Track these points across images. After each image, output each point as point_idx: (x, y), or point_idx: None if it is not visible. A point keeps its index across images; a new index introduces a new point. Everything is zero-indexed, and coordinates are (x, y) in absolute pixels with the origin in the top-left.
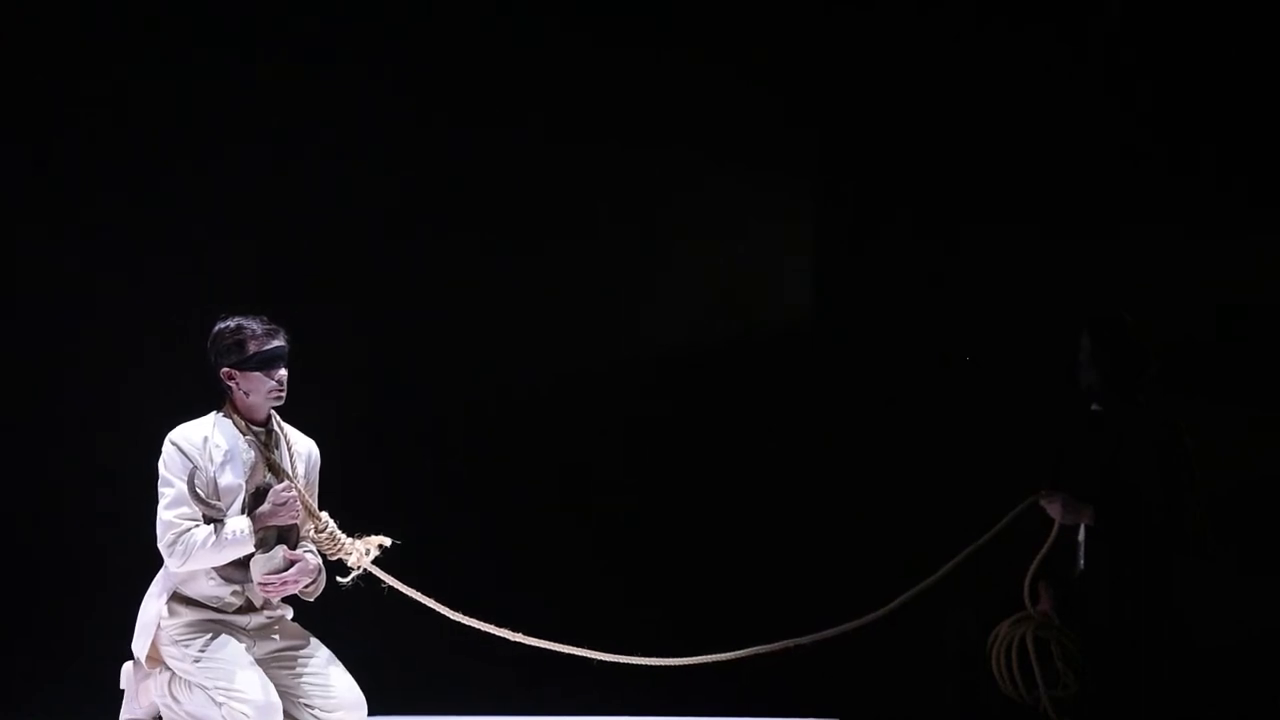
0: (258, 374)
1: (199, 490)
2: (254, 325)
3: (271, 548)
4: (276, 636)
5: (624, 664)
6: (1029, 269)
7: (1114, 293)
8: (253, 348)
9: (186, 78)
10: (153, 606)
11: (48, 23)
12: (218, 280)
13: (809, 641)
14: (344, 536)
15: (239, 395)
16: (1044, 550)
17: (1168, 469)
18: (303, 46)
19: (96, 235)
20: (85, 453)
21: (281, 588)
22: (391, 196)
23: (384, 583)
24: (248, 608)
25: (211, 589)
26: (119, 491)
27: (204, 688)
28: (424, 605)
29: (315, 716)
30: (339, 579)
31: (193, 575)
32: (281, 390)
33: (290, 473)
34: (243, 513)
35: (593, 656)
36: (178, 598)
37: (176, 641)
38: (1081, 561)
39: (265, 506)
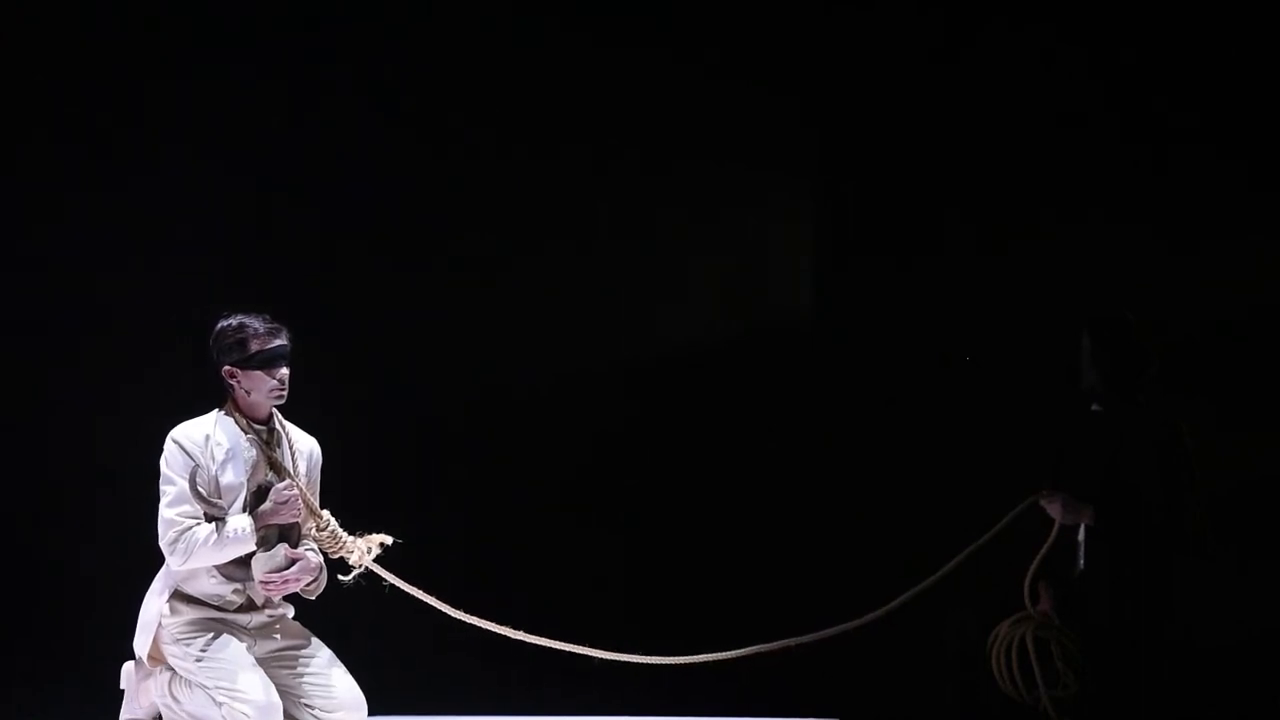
0: (259, 373)
1: (200, 488)
2: (256, 324)
3: (273, 546)
4: (278, 636)
5: (624, 663)
6: (1029, 269)
7: (1114, 293)
8: (255, 346)
9: (188, 77)
10: (154, 605)
11: (46, 22)
12: (218, 280)
13: (809, 641)
14: (345, 535)
15: (241, 393)
16: (1044, 550)
17: (1168, 469)
18: (304, 46)
19: (97, 235)
20: (85, 453)
21: (283, 586)
22: (392, 196)
23: (385, 581)
24: (249, 606)
25: (213, 587)
26: (119, 491)
27: (204, 687)
28: (424, 604)
29: (315, 716)
30: (340, 577)
31: (194, 573)
32: (283, 389)
33: (292, 471)
34: (244, 511)
35: (593, 655)
36: (179, 596)
37: (178, 640)
38: (1081, 561)
39: (267, 505)
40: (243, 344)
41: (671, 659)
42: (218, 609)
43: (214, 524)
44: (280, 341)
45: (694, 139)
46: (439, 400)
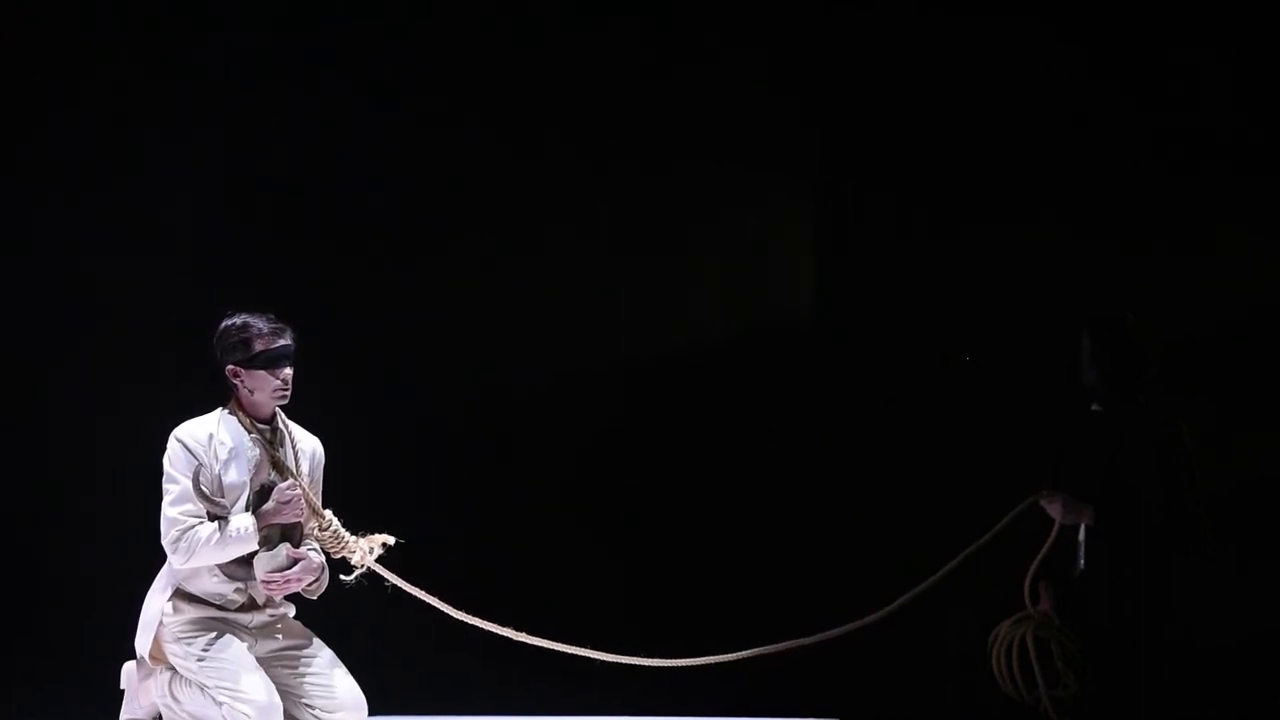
0: (263, 372)
1: (203, 487)
2: (260, 324)
3: (275, 545)
4: (279, 635)
5: (624, 664)
6: (1029, 269)
7: (1114, 292)
8: (258, 346)
9: (188, 77)
10: (156, 603)
11: (46, 21)
12: (218, 280)
13: (812, 643)
14: (348, 534)
15: (244, 393)
16: (1044, 550)
17: (1168, 469)
18: (305, 45)
19: (98, 234)
20: (85, 453)
21: (285, 586)
22: (392, 196)
23: (387, 581)
24: (250, 605)
25: (215, 586)
26: (119, 491)
27: (205, 687)
28: (425, 604)
29: (316, 717)
30: (342, 577)
31: (196, 572)
32: (286, 389)
33: (295, 470)
34: (247, 510)
35: (594, 656)
36: (181, 594)
37: (179, 639)
38: (1082, 561)
39: (269, 504)
40: (247, 343)
41: (672, 661)
42: (219, 608)
43: (216, 523)
44: (284, 341)
45: (694, 139)
46: (439, 400)
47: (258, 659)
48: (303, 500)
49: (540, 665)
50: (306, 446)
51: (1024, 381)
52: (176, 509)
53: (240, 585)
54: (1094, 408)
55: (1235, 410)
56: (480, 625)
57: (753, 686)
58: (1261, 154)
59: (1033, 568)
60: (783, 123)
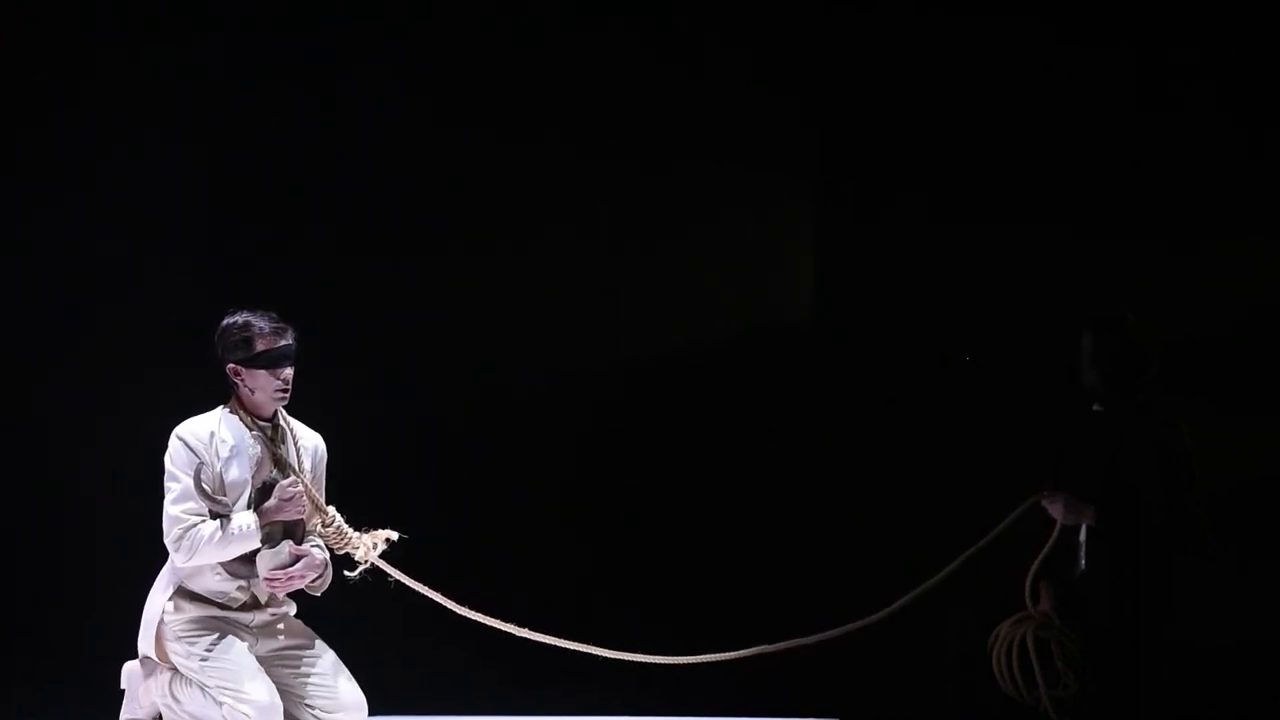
0: (263, 372)
1: (205, 486)
2: (262, 323)
3: (278, 543)
4: (281, 635)
5: (625, 663)
6: (1029, 269)
7: (1115, 292)
8: (260, 346)
9: (187, 76)
10: (158, 601)
11: (46, 20)
12: (219, 279)
13: (812, 643)
14: (351, 531)
15: (244, 392)
16: (1045, 550)
17: (1168, 469)
18: (305, 45)
19: (98, 234)
20: (85, 453)
21: (287, 583)
22: (394, 196)
23: (391, 578)
24: (252, 604)
25: (217, 584)
26: (119, 491)
27: (205, 687)
28: (426, 604)
29: (316, 717)
30: (346, 573)
31: (198, 570)
32: (286, 389)
33: (296, 468)
34: (249, 508)
35: (595, 653)
36: (182, 593)
37: (180, 638)
38: (1082, 562)
39: (271, 502)
40: (248, 342)
41: (672, 659)
42: (221, 606)
43: (218, 521)
44: (286, 342)
45: (694, 139)
46: (440, 399)
47: (259, 658)
48: (305, 497)
49: (541, 665)
50: (309, 443)
51: (1024, 381)
52: (178, 507)
53: (242, 583)
54: (1094, 408)
55: (1235, 410)
56: (483, 621)
57: (753, 686)
58: (1262, 153)
59: (1033, 568)
60: (783, 123)
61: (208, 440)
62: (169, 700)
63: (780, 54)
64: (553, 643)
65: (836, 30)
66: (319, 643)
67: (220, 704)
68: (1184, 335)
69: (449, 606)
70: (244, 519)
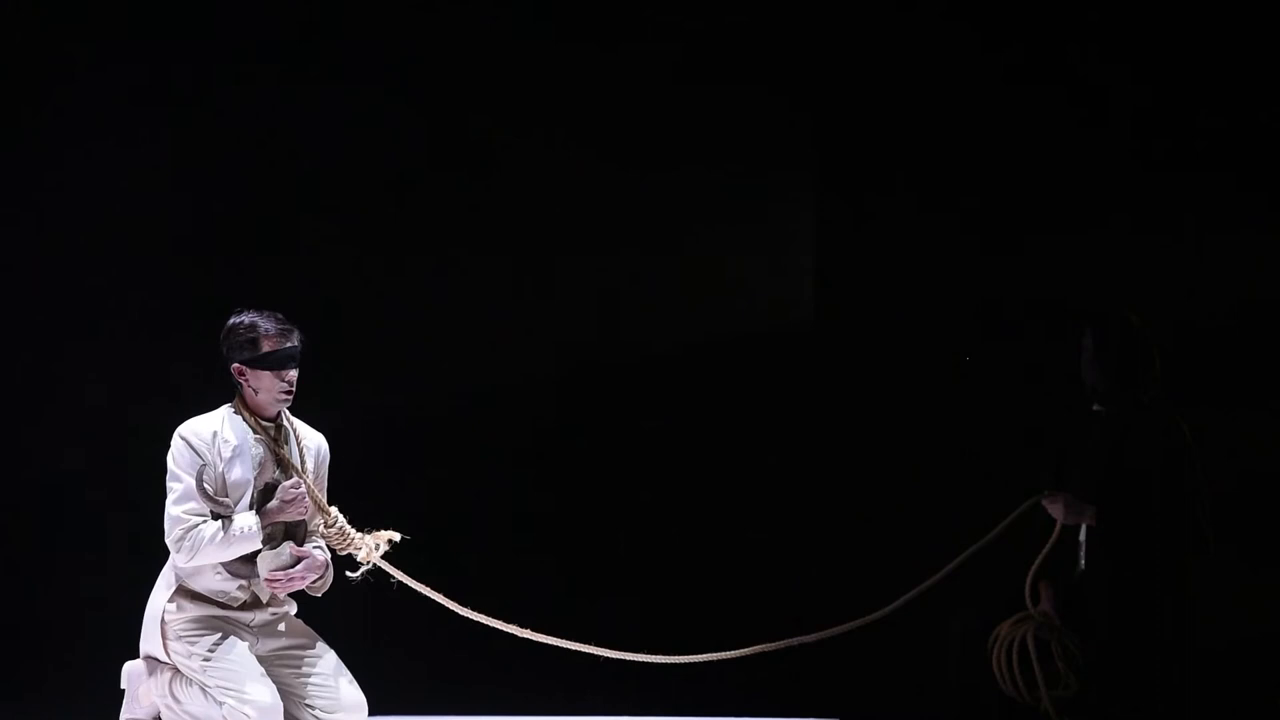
0: (268, 373)
1: (207, 486)
2: (269, 324)
3: (279, 543)
4: (282, 635)
5: (626, 663)
6: (1030, 269)
7: (1115, 292)
8: (266, 347)
9: (187, 77)
10: (159, 600)
11: (46, 20)
12: (218, 279)
13: (812, 641)
14: (353, 531)
15: (248, 391)
16: (1045, 550)
17: (1170, 468)
18: (307, 44)
19: (98, 233)
20: (85, 452)
21: (289, 584)
22: (394, 196)
23: (393, 578)
24: (253, 604)
25: (218, 584)
26: (119, 490)
27: (206, 687)
28: (428, 604)
29: (316, 717)
30: (348, 574)
31: (199, 570)
32: (290, 391)
33: (299, 468)
34: (251, 508)
35: (596, 653)
36: (183, 592)
37: (181, 637)
38: (1082, 562)
39: (273, 503)
40: (254, 343)
41: (673, 658)
42: (221, 606)
43: (220, 522)
44: (292, 344)
45: (694, 139)
46: (441, 400)
47: (260, 657)
48: (307, 498)
49: (541, 665)
50: (311, 443)
51: (1025, 381)
52: (180, 507)
53: (243, 583)
54: (1095, 408)
55: (1236, 409)
56: (485, 621)
57: (753, 686)
58: (1262, 153)
59: (1034, 568)
60: (783, 123)
61: (210, 440)
62: (169, 700)
63: (781, 53)
64: (553, 643)
65: (838, 30)
66: (320, 643)
67: (221, 704)
68: (1185, 334)
69: (450, 607)
70: (246, 520)
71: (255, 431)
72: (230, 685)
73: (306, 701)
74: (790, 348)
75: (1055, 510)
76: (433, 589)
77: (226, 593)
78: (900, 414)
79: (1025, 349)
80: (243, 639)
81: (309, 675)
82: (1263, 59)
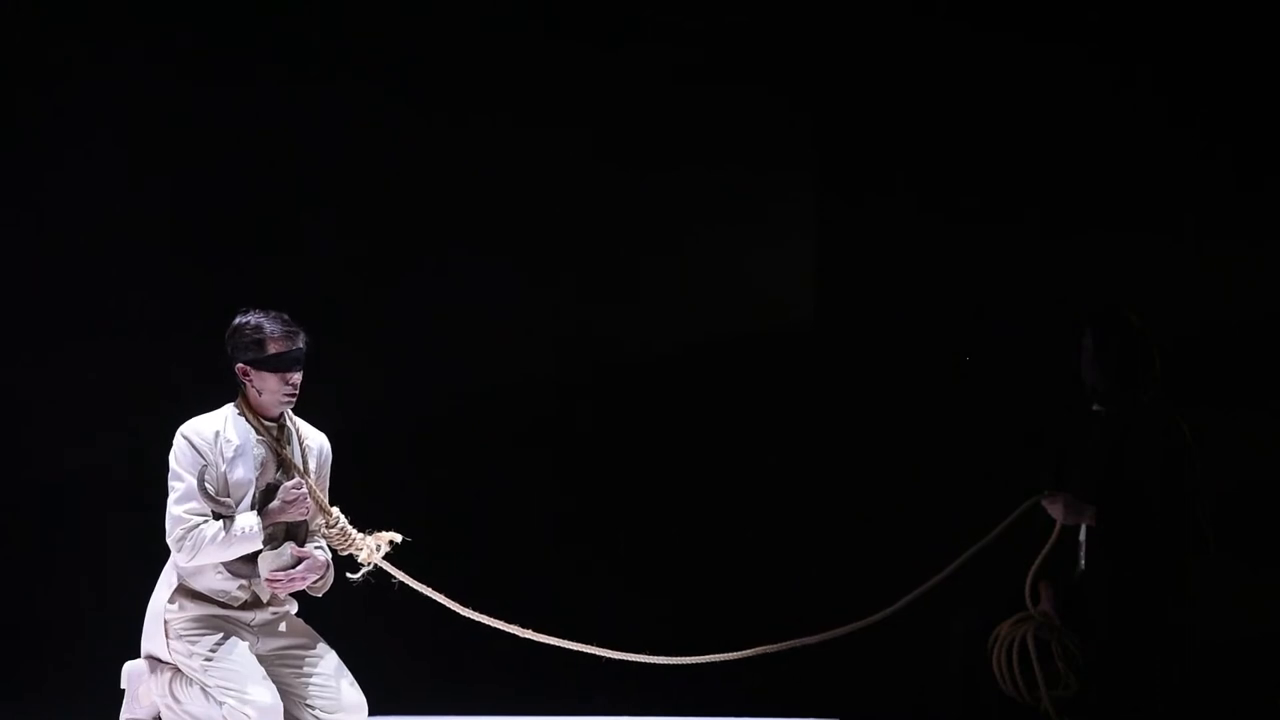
0: (272, 375)
1: (208, 486)
2: (274, 326)
3: (280, 543)
4: (283, 634)
5: (626, 664)
6: (1030, 268)
7: (1115, 292)
8: (271, 349)
9: (186, 77)
10: (161, 600)
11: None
12: (218, 279)
13: (815, 642)
14: (355, 532)
15: (252, 392)
16: (1045, 550)
17: (1170, 468)
18: (306, 45)
19: (99, 233)
20: (85, 452)
21: (289, 584)
22: (394, 197)
23: (394, 579)
24: (254, 603)
25: (219, 583)
26: (119, 490)
27: (207, 687)
28: (428, 604)
29: (316, 717)
30: (349, 575)
31: (200, 569)
32: (294, 393)
33: (301, 468)
34: (252, 508)
35: (597, 653)
36: (184, 591)
37: (182, 636)
38: (1082, 562)
39: (275, 503)
40: (260, 344)
41: (674, 659)
42: (222, 605)
43: (222, 521)
44: (297, 346)
45: (695, 139)
46: (442, 400)
47: (260, 657)
48: (309, 499)
49: (543, 665)
50: (314, 444)
51: (1025, 381)
52: (181, 507)
53: (244, 582)
54: (1095, 408)
55: (1236, 410)
56: (486, 622)
57: (753, 686)
58: (1262, 153)
59: (1034, 568)
60: (783, 123)
61: (213, 440)
62: (169, 700)
63: (781, 53)
64: (555, 643)
65: (838, 31)
66: (321, 643)
67: (221, 704)
68: (1185, 334)
69: (451, 607)
70: (247, 520)
71: (258, 432)
72: (231, 686)
73: (307, 702)
74: (790, 348)
75: (1055, 510)
76: (434, 589)
77: (227, 592)
78: (900, 414)
79: (1025, 349)
80: (243, 639)
81: (310, 675)
82: (1263, 59)
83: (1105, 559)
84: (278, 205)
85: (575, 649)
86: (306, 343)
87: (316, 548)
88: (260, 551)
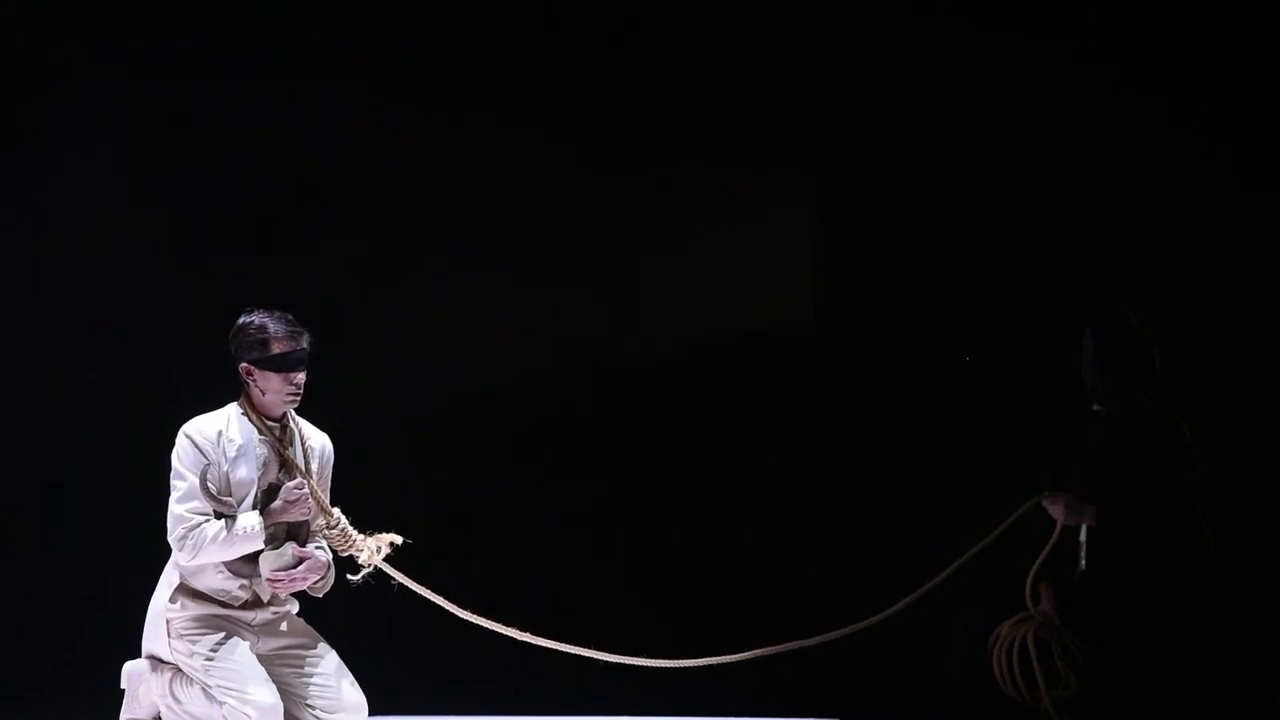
0: (276, 375)
1: (210, 485)
2: (279, 326)
3: (281, 543)
4: (283, 634)
5: (626, 665)
6: (1030, 268)
7: (1115, 292)
8: (276, 349)
9: (186, 77)
10: (162, 599)
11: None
12: (220, 279)
13: (814, 644)
14: (355, 533)
15: (255, 391)
16: (1046, 550)
17: (1170, 469)
18: (306, 45)
19: (99, 233)
20: (86, 452)
21: (290, 584)
22: (394, 197)
23: (394, 580)
24: (254, 603)
25: (219, 582)
26: (119, 490)
27: (207, 686)
28: (429, 605)
29: (316, 717)
30: (350, 576)
31: (201, 568)
32: (298, 393)
33: (303, 469)
34: (254, 508)
35: (596, 656)
36: (185, 591)
37: (183, 636)
38: (1082, 562)
39: (277, 503)
40: (264, 344)
41: (674, 661)
42: (223, 605)
43: (223, 521)
44: (301, 346)
45: (695, 139)
46: (443, 401)
47: (261, 657)
48: (310, 499)
49: (541, 665)
50: (316, 444)
51: (1025, 382)
52: (183, 506)
53: (245, 582)
54: (1095, 408)
55: (1236, 410)
56: (485, 625)
57: (753, 687)
58: (1262, 154)
59: (1034, 568)
60: (783, 123)
61: (215, 439)
62: (169, 700)
63: (781, 54)
64: (554, 646)
65: (838, 31)
66: (322, 643)
67: (222, 704)
68: (1185, 334)
69: (451, 610)
70: (249, 520)
71: (261, 431)
72: (232, 686)
73: (307, 702)
74: (790, 348)
75: (1055, 511)
76: (434, 591)
77: (228, 592)
78: (900, 414)
79: (1025, 349)
80: (244, 638)
81: (310, 675)
82: (1262, 59)
83: (1105, 559)
84: (278, 205)
85: (574, 652)
86: (311, 343)
87: (317, 548)
88: (261, 551)
